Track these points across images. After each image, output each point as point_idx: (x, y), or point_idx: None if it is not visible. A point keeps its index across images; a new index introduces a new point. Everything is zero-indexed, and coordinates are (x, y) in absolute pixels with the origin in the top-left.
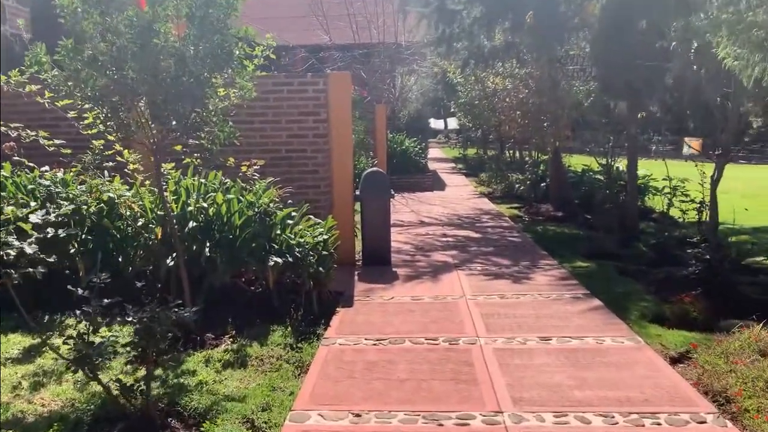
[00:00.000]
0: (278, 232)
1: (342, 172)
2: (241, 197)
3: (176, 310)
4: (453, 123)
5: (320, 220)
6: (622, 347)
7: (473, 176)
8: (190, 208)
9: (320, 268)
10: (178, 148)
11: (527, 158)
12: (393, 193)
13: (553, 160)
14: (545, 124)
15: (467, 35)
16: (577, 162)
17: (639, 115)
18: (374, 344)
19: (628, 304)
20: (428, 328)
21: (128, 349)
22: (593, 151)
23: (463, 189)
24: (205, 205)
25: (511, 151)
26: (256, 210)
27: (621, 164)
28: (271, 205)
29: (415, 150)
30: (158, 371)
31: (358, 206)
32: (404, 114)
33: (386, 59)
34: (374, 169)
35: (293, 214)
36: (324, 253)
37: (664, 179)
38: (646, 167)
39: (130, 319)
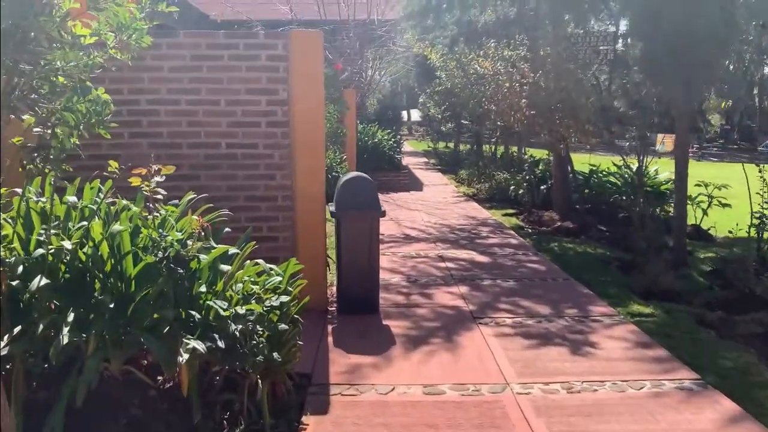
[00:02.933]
0: (202, 289)
1: (309, 178)
2: (142, 229)
3: None
4: (415, 114)
5: (274, 266)
6: None
7: (450, 173)
8: (39, 251)
9: (274, 354)
10: (17, 141)
11: (514, 154)
12: (383, 209)
13: (560, 158)
14: (558, 116)
15: (459, 3)
16: (574, 161)
17: (699, 104)
18: None
19: None
20: None
21: None
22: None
23: (443, 189)
24: (68, 245)
25: (493, 147)
26: (162, 254)
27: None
28: (190, 242)
29: (389, 144)
30: None
31: (331, 226)
32: (373, 102)
33: (356, 38)
34: (356, 174)
35: (232, 252)
36: (281, 327)
37: (697, 185)
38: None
39: None
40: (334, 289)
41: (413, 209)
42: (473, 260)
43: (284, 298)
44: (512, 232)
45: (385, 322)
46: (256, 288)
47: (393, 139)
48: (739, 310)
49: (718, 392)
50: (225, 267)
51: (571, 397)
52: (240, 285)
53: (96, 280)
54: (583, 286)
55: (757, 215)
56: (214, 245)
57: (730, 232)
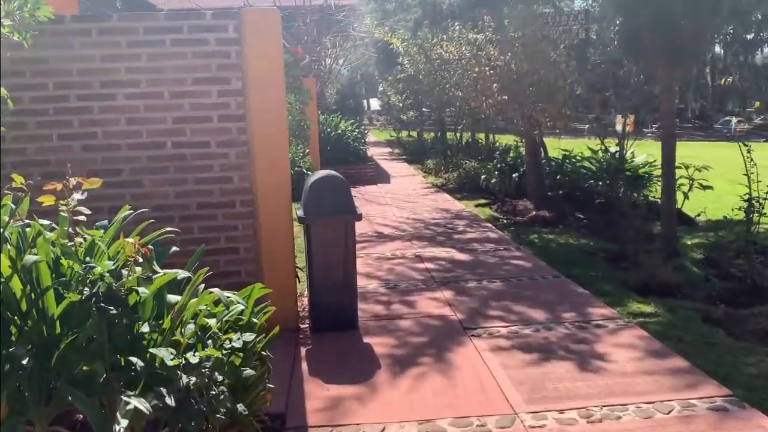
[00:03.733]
0: (145, 329)
1: (271, 178)
2: (62, 259)
3: None
4: (375, 104)
5: (232, 294)
6: None
7: (416, 163)
8: None
9: (239, 406)
10: None
11: (480, 141)
12: (358, 210)
13: (532, 145)
14: (531, 100)
15: None
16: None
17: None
18: None
19: None
20: None
21: None
22: (580, 133)
23: (411, 180)
24: None
25: (457, 134)
26: (90, 289)
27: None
28: (126, 272)
29: (353, 135)
30: None
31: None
32: (333, 92)
33: (313, 24)
34: (326, 172)
35: (182, 276)
36: (245, 372)
37: (677, 167)
38: (581, 147)
39: None
40: (306, 300)
41: (383, 203)
42: (453, 259)
43: (248, 337)
44: (489, 224)
45: (365, 340)
46: (212, 322)
47: (357, 130)
48: (742, 303)
49: (758, 412)
50: (173, 298)
51: (593, 429)
52: (192, 324)
53: (10, 324)
54: (575, 283)
55: (746, 197)
56: (159, 271)
57: (725, 217)
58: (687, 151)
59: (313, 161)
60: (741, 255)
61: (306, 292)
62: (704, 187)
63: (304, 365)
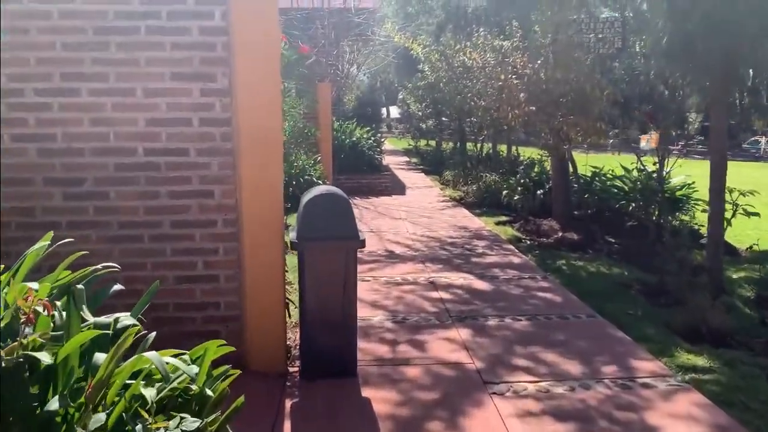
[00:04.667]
0: (53, 406)
1: (260, 195)
2: None
3: None
4: (394, 111)
5: (175, 362)
6: None
7: (434, 174)
8: None
9: None
10: None
11: (502, 154)
12: (362, 235)
13: (560, 160)
14: (561, 112)
15: None
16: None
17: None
18: None
19: None
20: None
21: None
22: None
23: (427, 193)
24: None
25: (477, 145)
26: None
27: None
28: (29, 330)
29: (368, 143)
30: None
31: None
32: (351, 98)
33: (331, 27)
34: (325, 189)
35: (123, 324)
36: None
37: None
38: (603, 162)
39: None
40: (298, 337)
41: (396, 217)
42: (471, 287)
43: (190, 426)
44: (511, 246)
45: (365, 393)
46: (150, 394)
47: (372, 138)
48: None
49: None
50: (100, 356)
51: None
52: (121, 397)
53: None
54: (612, 325)
55: None
56: (90, 319)
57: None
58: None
59: (326, 170)
60: None
61: (298, 331)
62: (749, 214)
63: (287, 425)
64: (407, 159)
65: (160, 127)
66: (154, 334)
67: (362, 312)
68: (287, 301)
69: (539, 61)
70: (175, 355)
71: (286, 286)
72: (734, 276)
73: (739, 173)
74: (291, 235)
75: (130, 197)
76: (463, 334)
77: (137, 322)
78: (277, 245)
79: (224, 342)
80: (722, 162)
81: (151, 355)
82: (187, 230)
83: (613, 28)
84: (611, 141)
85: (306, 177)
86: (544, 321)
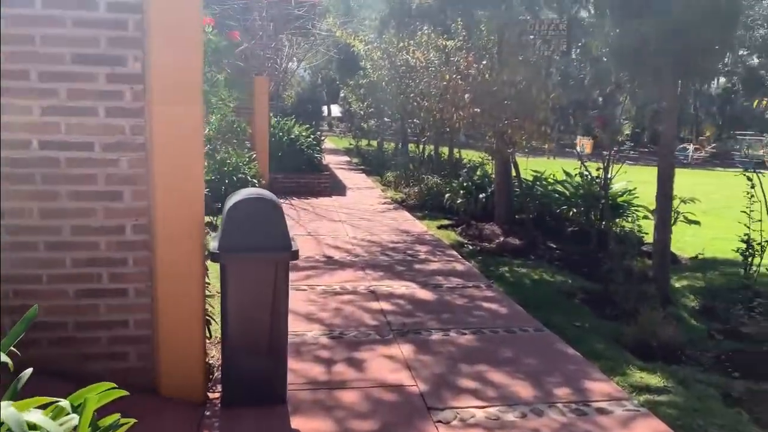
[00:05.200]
0: None
1: (177, 198)
2: None
3: None
4: (336, 110)
5: (60, 401)
6: None
7: (376, 175)
8: None
9: None
10: None
11: (443, 155)
12: (295, 245)
13: (504, 164)
14: (506, 116)
15: None
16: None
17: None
18: None
19: None
20: None
21: None
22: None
23: (369, 194)
24: None
25: (420, 146)
26: None
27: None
28: None
29: (307, 141)
30: None
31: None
32: (291, 95)
33: (270, 19)
34: (251, 192)
35: None
36: None
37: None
38: (541, 166)
39: None
40: (219, 357)
41: (336, 219)
42: (414, 297)
43: None
44: (454, 252)
45: (294, 424)
46: None
47: (312, 136)
48: (760, 373)
49: None
50: None
51: None
52: None
53: None
54: (561, 340)
55: (745, 237)
56: None
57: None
58: (649, 177)
59: (262, 168)
60: (740, 303)
61: (218, 345)
62: (690, 222)
63: None
64: (348, 159)
65: (58, 116)
66: (29, 372)
67: (296, 326)
68: (208, 318)
69: (484, 62)
70: (49, 404)
71: (209, 300)
72: (677, 285)
73: (677, 181)
74: (212, 245)
75: (23, 197)
76: (406, 350)
77: (7, 358)
78: (197, 255)
79: (113, 385)
80: (670, 168)
81: (6, 414)
82: (90, 237)
83: (558, 30)
84: (546, 146)
85: (240, 175)
86: (490, 335)
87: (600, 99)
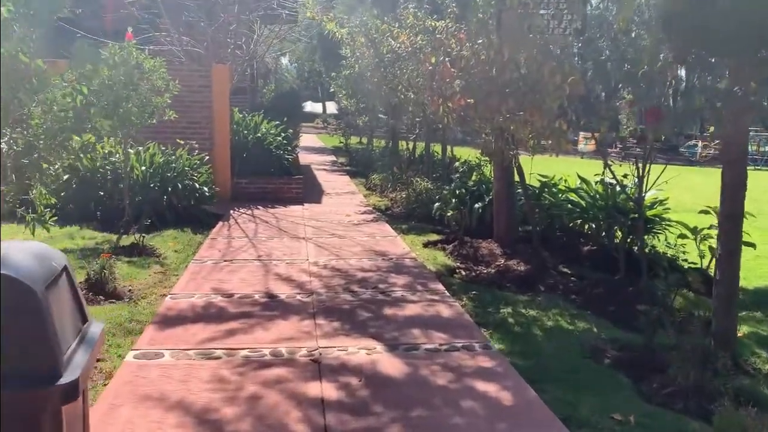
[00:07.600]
0: None
1: None
2: None
3: None
4: (332, 107)
5: None
6: None
7: (361, 176)
8: None
9: None
10: None
11: (436, 155)
12: (75, 374)
13: (505, 169)
14: (507, 108)
15: None
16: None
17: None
18: None
19: None
20: None
21: None
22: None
23: (348, 201)
24: None
25: (411, 144)
26: None
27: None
28: None
29: (276, 140)
30: None
31: None
32: (271, 88)
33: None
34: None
35: None
36: None
37: (703, 211)
38: (544, 166)
39: None
40: None
41: (300, 236)
42: (375, 373)
43: None
44: (440, 286)
45: None
46: None
47: (283, 134)
48: None
49: None
50: None
51: None
52: None
53: None
54: None
55: None
56: None
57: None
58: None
59: (221, 172)
60: None
61: None
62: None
63: None
64: (334, 159)
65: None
66: None
67: None
68: None
69: (480, 41)
70: None
71: None
72: (738, 332)
73: (696, 182)
74: None
75: None
76: None
77: None
78: None
79: None
80: (741, 178)
81: None
82: None
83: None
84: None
85: (186, 182)
86: None
87: (639, 83)
